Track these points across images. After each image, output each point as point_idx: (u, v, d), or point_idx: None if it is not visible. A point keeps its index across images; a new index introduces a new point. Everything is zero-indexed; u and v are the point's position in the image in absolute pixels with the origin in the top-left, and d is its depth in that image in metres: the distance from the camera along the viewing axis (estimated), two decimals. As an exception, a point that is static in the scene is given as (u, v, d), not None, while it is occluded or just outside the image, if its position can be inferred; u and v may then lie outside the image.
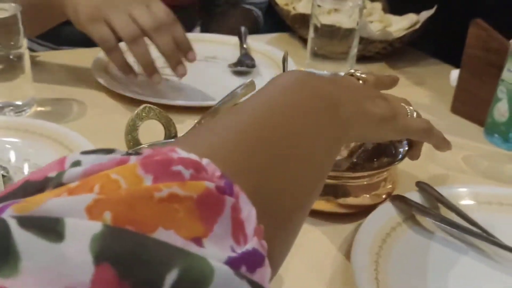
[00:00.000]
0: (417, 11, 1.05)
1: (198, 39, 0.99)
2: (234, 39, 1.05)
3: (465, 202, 0.60)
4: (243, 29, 1.07)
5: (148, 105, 0.63)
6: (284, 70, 0.69)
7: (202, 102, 0.80)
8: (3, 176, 0.61)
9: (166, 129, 0.64)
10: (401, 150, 0.59)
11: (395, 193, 0.59)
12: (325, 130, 0.35)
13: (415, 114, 0.54)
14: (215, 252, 0.21)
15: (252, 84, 0.67)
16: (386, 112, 0.45)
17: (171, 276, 0.18)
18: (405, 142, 0.60)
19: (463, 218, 0.56)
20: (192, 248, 0.20)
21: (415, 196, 0.59)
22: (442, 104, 0.88)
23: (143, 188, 0.21)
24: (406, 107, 0.53)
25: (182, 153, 0.24)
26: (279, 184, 0.29)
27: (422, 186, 0.61)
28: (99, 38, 0.77)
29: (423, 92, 0.94)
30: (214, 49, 1.02)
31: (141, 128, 0.62)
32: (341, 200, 0.56)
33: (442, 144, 0.58)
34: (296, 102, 0.34)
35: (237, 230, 0.22)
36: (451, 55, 0.93)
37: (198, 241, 0.21)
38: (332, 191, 0.56)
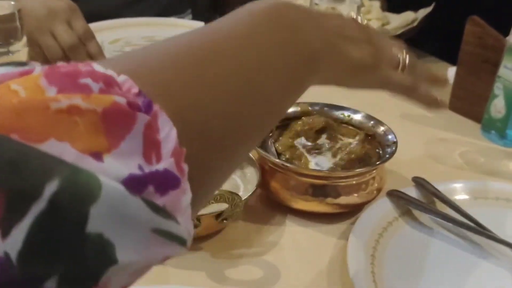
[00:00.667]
0: (415, 9, 1.05)
1: (166, 23, 1.08)
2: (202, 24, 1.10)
3: (461, 197, 0.61)
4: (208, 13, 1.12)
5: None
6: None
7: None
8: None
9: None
10: (388, 150, 0.59)
11: (392, 188, 0.60)
12: (281, 63, 0.32)
13: (407, 60, 0.45)
14: (116, 168, 0.20)
15: None
16: (367, 58, 0.40)
17: (51, 187, 0.18)
18: (391, 137, 0.60)
19: (459, 212, 0.57)
20: (88, 161, 0.19)
21: (411, 191, 0.60)
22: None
23: (39, 98, 0.20)
24: (399, 54, 0.45)
25: (96, 67, 0.22)
26: (214, 108, 0.27)
27: (418, 181, 0.61)
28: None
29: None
30: (180, 33, 1.06)
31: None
32: (333, 200, 0.56)
33: (427, 102, 0.52)
34: (254, 30, 0.32)
35: (150, 149, 0.21)
36: (449, 53, 0.93)
37: (97, 155, 0.20)
38: (323, 192, 0.56)
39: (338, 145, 0.60)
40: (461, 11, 0.84)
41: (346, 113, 0.66)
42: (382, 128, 0.62)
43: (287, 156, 0.59)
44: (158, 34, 1.08)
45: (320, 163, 0.59)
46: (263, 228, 0.57)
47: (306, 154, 0.59)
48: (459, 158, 0.73)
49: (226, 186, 0.55)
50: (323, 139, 0.62)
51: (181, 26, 1.12)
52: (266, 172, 0.58)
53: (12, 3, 0.74)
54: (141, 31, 1.09)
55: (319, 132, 0.62)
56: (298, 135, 0.62)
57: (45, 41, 0.79)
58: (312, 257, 0.53)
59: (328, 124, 0.62)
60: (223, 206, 0.49)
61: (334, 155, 0.59)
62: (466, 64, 0.82)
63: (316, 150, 0.60)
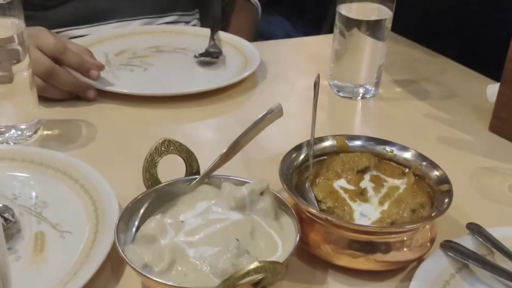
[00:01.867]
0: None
1: (171, 31, 1.08)
2: (208, 31, 1.06)
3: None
4: (213, 20, 1.09)
5: (168, 138, 0.57)
6: (314, 94, 0.63)
7: (165, 91, 0.85)
8: (6, 221, 0.55)
9: (187, 164, 0.58)
10: (442, 196, 0.53)
11: (443, 235, 0.53)
12: None
13: None
14: None
15: (279, 111, 0.61)
16: None
17: None
18: (444, 181, 0.54)
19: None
20: None
21: (467, 241, 0.53)
22: (478, 121, 0.82)
23: None
24: None
25: None
26: None
27: (473, 229, 0.54)
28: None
29: (456, 107, 0.87)
30: (185, 41, 1.05)
31: (160, 163, 0.56)
32: (382, 257, 0.50)
33: None
34: None
35: None
36: (490, 67, 0.86)
37: None
38: (370, 248, 0.49)
39: (384, 190, 0.54)
40: (505, 24, 0.77)
41: (388, 148, 0.59)
42: (435, 173, 0.55)
43: (328, 204, 0.52)
44: (164, 43, 1.03)
45: (365, 212, 0.52)
46: (302, 287, 0.50)
47: (349, 201, 0.53)
48: (509, 192, 0.67)
49: (263, 241, 0.49)
50: (366, 181, 0.55)
51: (187, 34, 1.08)
52: (303, 222, 0.51)
53: (17, 21, 0.68)
54: (146, 41, 1.03)
55: (361, 171, 0.56)
56: (338, 176, 0.55)
57: (32, 53, 0.75)
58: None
59: (371, 163, 0.56)
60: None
61: (381, 203, 0.53)
62: (511, 82, 0.75)
63: (360, 195, 0.54)
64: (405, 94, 0.90)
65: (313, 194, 0.54)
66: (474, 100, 0.87)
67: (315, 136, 0.59)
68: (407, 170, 0.57)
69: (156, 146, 0.56)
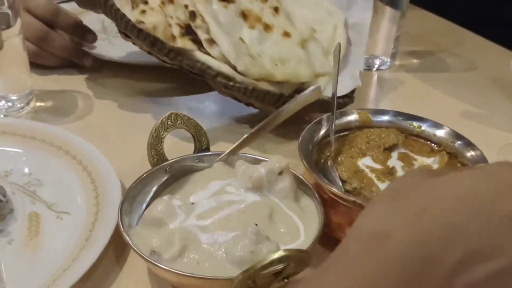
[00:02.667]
0: None
1: None
2: None
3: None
4: None
5: (174, 112, 0.51)
6: (334, 65, 0.57)
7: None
8: (-1, 201, 0.50)
9: (196, 140, 0.53)
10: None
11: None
12: None
13: None
14: None
15: (318, 90, 0.55)
16: None
17: None
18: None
19: None
20: None
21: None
22: (502, 96, 0.77)
23: None
24: None
25: None
26: None
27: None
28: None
29: (477, 80, 0.82)
30: None
31: (166, 139, 0.51)
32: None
33: None
34: None
35: None
36: (504, 39, 0.81)
37: None
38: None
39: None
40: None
41: (415, 124, 0.54)
42: (471, 152, 0.50)
43: (354, 184, 0.48)
44: None
45: None
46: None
47: (376, 181, 0.48)
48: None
49: (284, 226, 0.44)
50: (394, 160, 0.50)
51: None
52: (326, 204, 0.47)
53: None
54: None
55: (388, 149, 0.51)
56: (362, 153, 0.51)
57: (23, 17, 0.68)
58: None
59: (399, 140, 0.51)
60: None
61: None
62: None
63: (389, 175, 0.49)
64: (423, 66, 0.85)
65: (337, 174, 0.49)
66: (496, 74, 0.82)
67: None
68: (436, 147, 0.52)
69: (162, 120, 0.51)
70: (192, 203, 0.45)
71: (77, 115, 0.67)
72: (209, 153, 0.52)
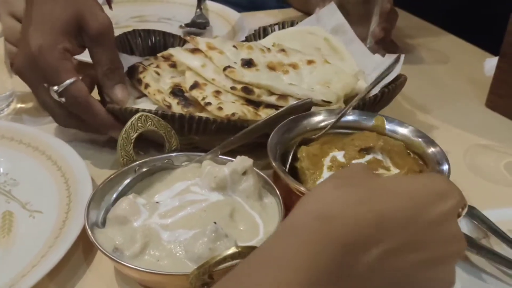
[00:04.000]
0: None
1: (155, 0, 1.02)
2: (194, 0, 1.00)
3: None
4: None
5: (145, 113, 0.53)
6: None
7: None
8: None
9: (166, 141, 0.54)
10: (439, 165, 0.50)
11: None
12: None
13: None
14: None
15: (308, 103, 0.57)
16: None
17: None
18: (444, 165, 0.50)
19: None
20: None
21: (460, 224, 0.50)
22: (474, 97, 0.78)
23: None
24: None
25: None
26: None
27: (468, 212, 0.52)
28: None
29: (450, 79, 0.84)
30: (171, 10, 1.00)
31: (136, 140, 0.53)
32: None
33: None
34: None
35: None
36: (487, 42, 0.82)
37: None
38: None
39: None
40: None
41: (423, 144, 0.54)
42: (432, 149, 0.52)
43: (302, 164, 0.50)
44: (148, 13, 0.99)
45: None
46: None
47: (325, 169, 0.50)
48: (504, 171, 0.64)
49: (244, 224, 0.46)
50: (361, 161, 0.51)
51: (172, 3, 1.03)
52: (288, 200, 0.48)
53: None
54: (129, 10, 0.99)
55: (366, 151, 0.52)
56: (339, 148, 0.52)
57: (6, 22, 0.70)
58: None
59: (376, 144, 0.52)
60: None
61: None
62: (510, 57, 0.71)
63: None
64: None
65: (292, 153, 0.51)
66: (469, 73, 0.84)
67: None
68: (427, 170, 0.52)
69: (132, 122, 0.52)
70: (157, 202, 0.47)
71: (57, 116, 0.69)
72: (177, 153, 0.53)
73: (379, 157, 0.51)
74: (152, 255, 0.42)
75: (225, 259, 0.38)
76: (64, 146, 0.59)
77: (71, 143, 0.59)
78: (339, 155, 0.51)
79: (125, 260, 0.42)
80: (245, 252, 0.38)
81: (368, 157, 0.51)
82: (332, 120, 0.56)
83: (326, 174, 0.50)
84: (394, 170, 0.51)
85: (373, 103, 0.60)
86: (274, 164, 0.49)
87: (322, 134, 0.55)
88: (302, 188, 0.46)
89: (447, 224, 0.33)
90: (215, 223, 0.43)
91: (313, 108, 0.58)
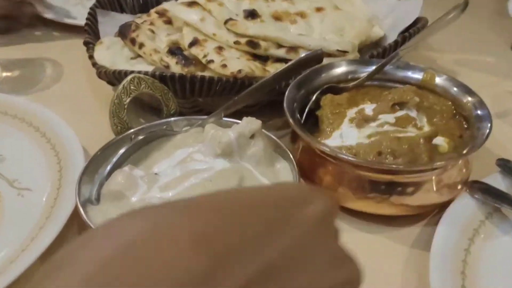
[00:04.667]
0: None
1: None
2: None
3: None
4: None
5: (138, 74, 0.47)
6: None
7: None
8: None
9: (164, 104, 0.49)
10: (478, 127, 0.44)
11: (471, 177, 0.45)
12: None
13: None
14: None
15: (319, 55, 0.51)
16: None
17: None
18: (482, 112, 0.45)
19: None
20: None
21: (496, 180, 0.45)
22: (498, 39, 0.72)
23: None
24: None
25: None
26: None
27: (503, 165, 0.46)
28: None
29: (475, 24, 0.77)
30: None
31: (131, 105, 0.47)
32: (404, 200, 0.42)
33: None
34: None
35: None
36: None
37: None
38: (390, 189, 0.41)
39: (398, 131, 0.44)
40: None
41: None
42: (469, 99, 0.46)
43: (323, 111, 0.45)
44: None
45: (346, 135, 0.44)
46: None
47: (346, 120, 0.45)
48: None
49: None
50: (388, 116, 0.45)
51: None
52: (315, 162, 0.43)
53: None
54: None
55: (400, 106, 0.46)
56: (371, 100, 0.47)
57: None
58: (379, 272, 0.39)
59: (411, 101, 0.46)
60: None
61: (370, 136, 0.44)
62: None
63: (364, 121, 0.45)
64: None
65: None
66: (492, 16, 0.76)
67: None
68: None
69: (123, 85, 0.47)
70: (156, 173, 0.42)
71: (45, 84, 0.63)
72: (176, 118, 0.48)
73: (413, 114, 0.46)
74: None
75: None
76: (53, 116, 0.54)
77: (60, 113, 0.54)
78: (368, 108, 0.46)
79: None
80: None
81: (400, 113, 0.45)
82: (370, 70, 0.50)
83: (346, 126, 0.45)
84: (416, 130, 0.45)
85: (394, 51, 0.53)
86: (291, 121, 0.43)
87: (356, 85, 0.49)
88: (324, 148, 0.41)
89: (317, 243, 0.22)
90: (222, 194, 0.38)
91: (326, 60, 0.51)
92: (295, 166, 0.42)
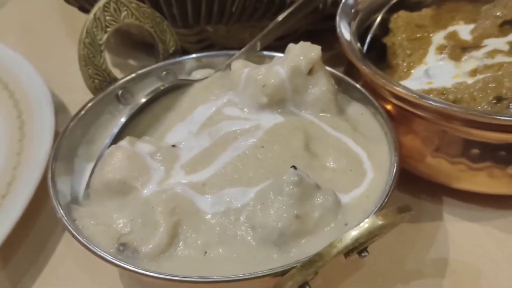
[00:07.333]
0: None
1: None
2: None
3: None
4: None
5: (114, -3, 0.31)
6: None
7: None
8: None
9: (158, 40, 0.33)
10: None
11: None
12: None
13: None
14: None
15: None
16: None
17: None
18: None
19: None
20: None
21: None
22: None
23: None
24: None
25: None
26: None
27: None
28: None
29: None
30: None
31: (111, 45, 0.31)
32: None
33: None
34: None
35: None
36: None
37: None
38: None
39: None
40: None
41: None
42: None
43: (394, 39, 0.31)
44: None
45: (433, 71, 0.30)
46: (408, 228, 0.29)
47: (434, 51, 0.31)
48: None
49: (334, 158, 0.26)
50: (498, 41, 0.31)
51: None
52: (398, 124, 0.29)
53: None
54: None
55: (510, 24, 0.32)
56: (466, 20, 0.32)
57: None
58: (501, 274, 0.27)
59: None
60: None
61: (473, 72, 0.30)
62: None
63: (461, 52, 0.31)
64: None
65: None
66: None
67: None
68: None
69: (95, 14, 0.30)
70: (173, 146, 0.27)
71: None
72: (184, 57, 0.32)
73: None
74: (193, 244, 0.23)
75: (354, 243, 0.19)
76: (18, 60, 0.37)
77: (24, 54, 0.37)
78: (464, 30, 0.32)
79: (145, 263, 0.22)
80: (391, 223, 0.19)
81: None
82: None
83: (432, 58, 0.31)
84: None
85: None
86: (349, 52, 0.28)
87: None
88: (405, 91, 0.27)
89: None
90: (294, 167, 0.23)
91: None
92: (379, 110, 0.28)
